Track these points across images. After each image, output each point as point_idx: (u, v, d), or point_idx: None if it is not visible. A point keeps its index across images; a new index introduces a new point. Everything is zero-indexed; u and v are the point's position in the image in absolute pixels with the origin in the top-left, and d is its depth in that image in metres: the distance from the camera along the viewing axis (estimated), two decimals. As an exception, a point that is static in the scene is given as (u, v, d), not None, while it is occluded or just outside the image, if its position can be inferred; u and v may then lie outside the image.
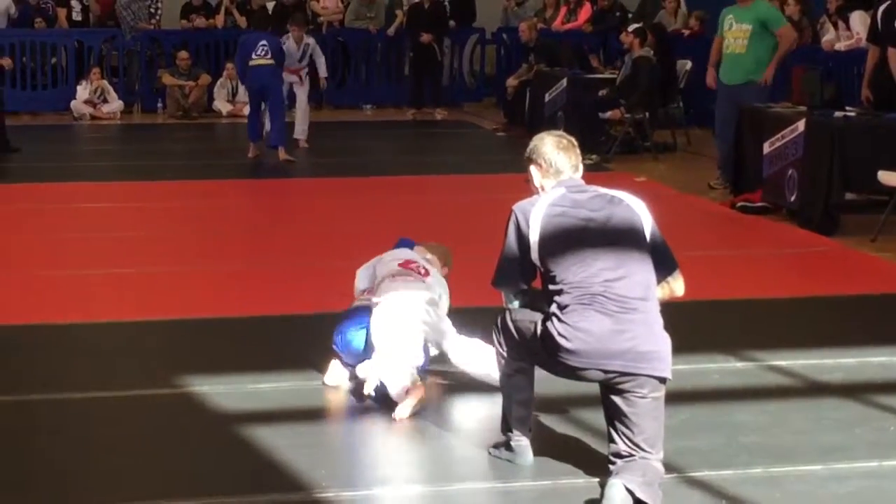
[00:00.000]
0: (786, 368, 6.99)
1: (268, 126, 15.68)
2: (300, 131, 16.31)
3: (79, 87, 19.88)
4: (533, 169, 5.66)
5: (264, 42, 15.47)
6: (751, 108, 12.47)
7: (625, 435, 5.23)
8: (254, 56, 15.41)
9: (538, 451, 5.61)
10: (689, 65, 16.85)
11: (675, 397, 6.48)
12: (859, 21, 15.56)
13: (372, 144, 17.06)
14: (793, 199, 11.42)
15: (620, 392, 5.25)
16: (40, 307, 8.32)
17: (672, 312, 8.21)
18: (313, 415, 6.24)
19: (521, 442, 5.60)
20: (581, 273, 5.27)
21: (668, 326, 7.77)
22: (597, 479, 5.35)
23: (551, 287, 5.33)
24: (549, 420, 6.10)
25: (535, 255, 5.38)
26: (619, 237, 5.38)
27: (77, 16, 21.33)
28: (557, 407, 6.23)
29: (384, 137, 17.96)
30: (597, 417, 5.66)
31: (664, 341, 5.35)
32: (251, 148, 15.44)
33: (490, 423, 5.94)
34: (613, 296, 5.26)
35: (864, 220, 10.98)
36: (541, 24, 20.29)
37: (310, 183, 14.09)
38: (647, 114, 15.56)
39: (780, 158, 11.62)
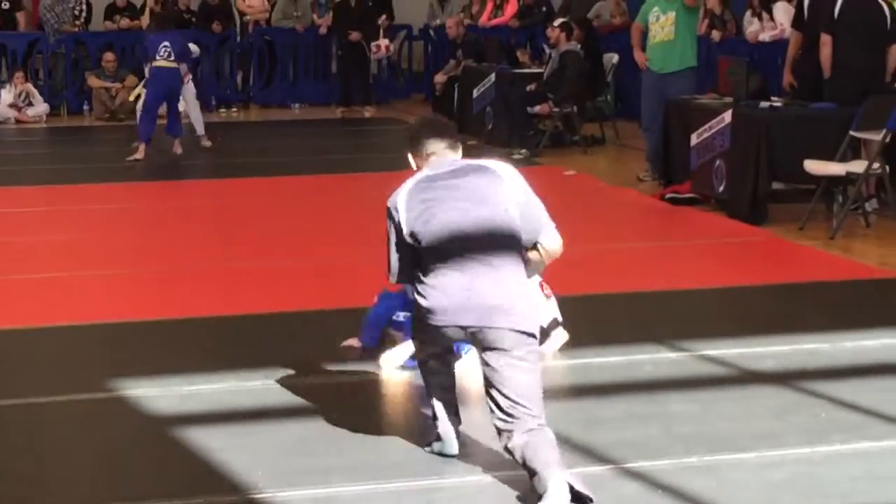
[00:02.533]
0: (718, 358, 7.04)
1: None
2: (201, 129, 16.33)
3: (2, 91, 19.66)
4: (410, 158, 5.81)
5: (167, 43, 15.44)
6: (677, 100, 12.56)
7: (501, 394, 5.26)
8: (157, 58, 15.39)
9: (478, 445, 5.62)
10: (615, 58, 16.93)
11: (609, 389, 6.55)
12: (783, 12, 15.70)
13: (301, 143, 16.99)
14: (721, 189, 11.51)
15: (488, 349, 5.33)
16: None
17: (605, 304, 8.31)
18: (249, 416, 6.21)
19: (448, 430, 5.62)
20: (442, 237, 5.43)
21: (601, 319, 7.84)
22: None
23: (423, 257, 5.48)
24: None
25: (406, 234, 5.51)
26: (481, 202, 5.50)
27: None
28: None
29: (313, 136, 17.89)
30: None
31: (520, 297, 5.40)
32: (140, 149, 15.29)
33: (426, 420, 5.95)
34: (470, 256, 5.39)
35: (791, 209, 11.09)
36: (467, 19, 20.31)
37: (237, 183, 14.01)
38: (575, 108, 15.61)
39: (707, 150, 11.70)
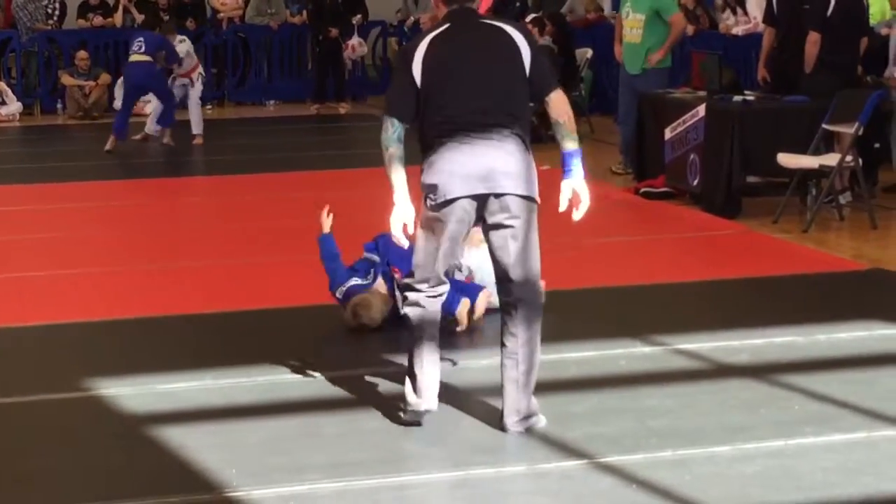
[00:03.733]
0: (692, 351, 7.07)
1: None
2: (198, 127, 16.39)
3: (-25, 91, 19.60)
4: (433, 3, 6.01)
5: (140, 38, 15.65)
6: (651, 94, 12.59)
7: (513, 269, 5.71)
8: (130, 52, 15.57)
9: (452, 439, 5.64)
10: (589, 53, 16.95)
11: (584, 383, 6.56)
12: (755, 6, 15.75)
13: (276, 141, 16.98)
14: (695, 183, 11.54)
15: (495, 227, 5.72)
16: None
17: (579, 299, 8.32)
18: (223, 414, 6.21)
19: (427, 386, 5.87)
20: (452, 105, 5.67)
21: (575, 313, 7.86)
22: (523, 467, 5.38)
23: (427, 122, 5.74)
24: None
25: (419, 85, 5.73)
26: (494, 69, 5.74)
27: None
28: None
29: (288, 133, 17.88)
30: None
31: (525, 164, 5.74)
32: (110, 140, 15.50)
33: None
34: (478, 125, 5.65)
35: (765, 203, 11.14)
36: (441, 15, 20.31)
37: (214, 180, 14.01)
38: (549, 102, 15.61)
39: (681, 143, 11.73)
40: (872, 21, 13.07)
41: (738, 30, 16.31)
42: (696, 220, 11.01)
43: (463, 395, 6.36)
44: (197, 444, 5.72)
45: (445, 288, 5.95)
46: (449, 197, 5.68)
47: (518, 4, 20.57)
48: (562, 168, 5.91)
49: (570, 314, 8.00)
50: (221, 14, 21.14)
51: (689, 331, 7.46)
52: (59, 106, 20.10)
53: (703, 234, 10.54)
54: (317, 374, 6.73)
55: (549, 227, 10.77)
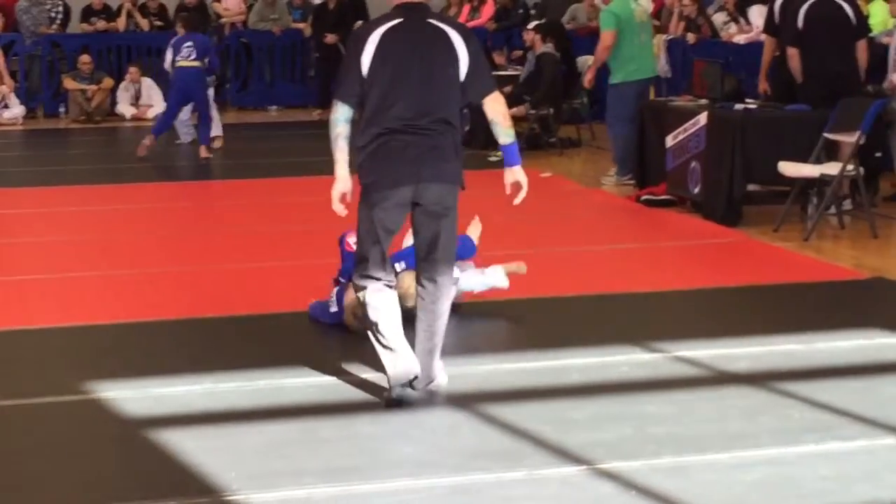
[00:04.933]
0: (692, 359, 7.07)
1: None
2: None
3: (-22, 93, 19.61)
4: None
5: (189, 42, 15.44)
6: (653, 102, 12.61)
7: (435, 247, 6.25)
8: (178, 58, 15.38)
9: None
10: (591, 60, 16.94)
11: (583, 390, 6.56)
12: (758, 15, 15.75)
13: (279, 146, 16.97)
14: (696, 191, 11.54)
15: (423, 211, 6.23)
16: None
17: (580, 305, 8.33)
18: (223, 418, 6.21)
19: (401, 363, 6.21)
20: (392, 104, 6.17)
21: (576, 320, 7.86)
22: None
23: (368, 115, 6.24)
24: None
25: (365, 76, 6.19)
26: (435, 72, 6.20)
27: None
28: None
29: (292, 138, 17.87)
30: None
31: (453, 157, 6.28)
32: (146, 144, 15.35)
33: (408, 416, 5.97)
34: (415, 124, 6.17)
35: (766, 211, 11.13)
36: (444, 22, 20.32)
37: (220, 185, 14.02)
38: (551, 110, 15.63)
39: (682, 151, 11.73)
40: (875, 31, 13.09)
41: (740, 38, 16.31)
42: (697, 227, 11.01)
43: (461, 400, 6.35)
44: (196, 448, 5.72)
45: (393, 277, 6.41)
46: (386, 189, 6.18)
47: (521, 11, 20.61)
48: (504, 160, 6.58)
49: (571, 321, 8.02)
50: (224, 19, 21.15)
51: (689, 338, 7.46)
52: (61, 110, 20.11)
53: (704, 241, 10.54)
54: (315, 379, 6.72)
55: (551, 235, 10.81)
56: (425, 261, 6.34)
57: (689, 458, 5.61)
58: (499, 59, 17.90)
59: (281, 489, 5.28)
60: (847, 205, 11.19)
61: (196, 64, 15.38)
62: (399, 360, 6.24)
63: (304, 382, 6.71)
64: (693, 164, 11.55)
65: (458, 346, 7.32)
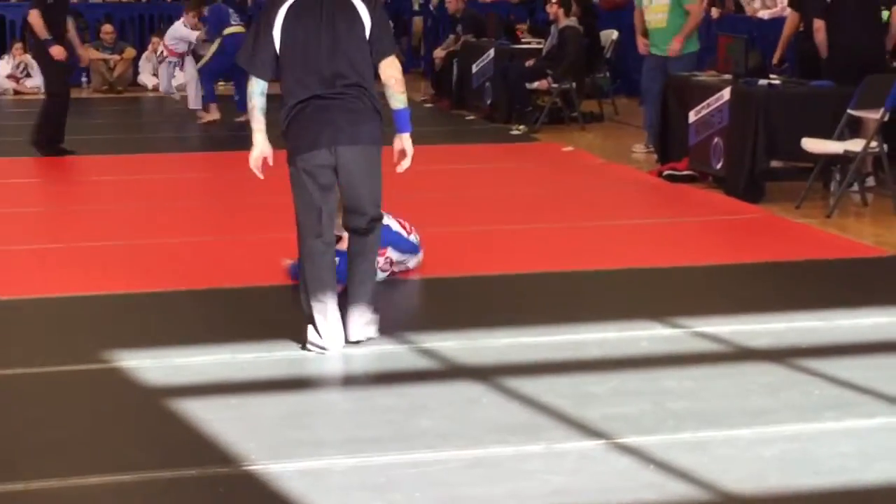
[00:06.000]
0: (713, 334, 7.04)
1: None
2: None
3: (0, 62, 19.64)
4: None
5: (232, 9, 15.74)
6: (676, 77, 12.55)
7: (358, 202, 6.61)
8: (231, 23, 15.54)
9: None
10: (615, 34, 16.91)
11: (603, 364, 6.55)
12: (783, -10, 15.68)
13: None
14: (719, 167, 11.50)
15: (346, 170, 6.54)
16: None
17: (600, 280, 8.31)
18: (242, 388, 6.21)
19: (328, 328, 6.59)
20: (305, 74, 6.49)
21: (595, 294, 7.84)
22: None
23: (285, 87, 6.59)
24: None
25: (278, 49, 6.52)
26: (341, 37, 6.49)
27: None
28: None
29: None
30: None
31: (369, 116, 6.57)
32: (213, 109, 15.59)
33: (425, 391, 5.97)
34: (328, 90, 6.49)
35: (788, 188, 11.10)
36: (467, -5, 20.27)
37: (240, 156, 14.00)
38: (574, 84, 15.59)
39: (705, 127, 11.69)
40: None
41: (765, 14, 16.23)
42: (719, 203, 10.98)
43: (480, 373, 6.35)
44: (215, 418, 5.73)
45: (331, 237, 6.64)
46: (305, 151, 6.52)
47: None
48: (395, 126, 6.74)
49: (592, 295, 8.00)
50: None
51: (710, 314, 7.43)
52: (83, 79, 20.14)
53: (726, 217, 10.50)
54: (333, 350, 6.72)
55: (572, 210, 10.79)
56: (352, 214, 6.68)
57: (708, 434, 5.59)
58: (522, 32, 17.84)
59: (300, 460, 5.29)
60: (870, 182, 11.14)
61: (243, 29, 15.53)
62: (328, 327, 6.58)
63: (322, 353, 6.70)
64: (716, 139, 11.50)
65: (477, 319, 7.31)
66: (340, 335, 6.64)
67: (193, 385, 6.24)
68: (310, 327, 6.62)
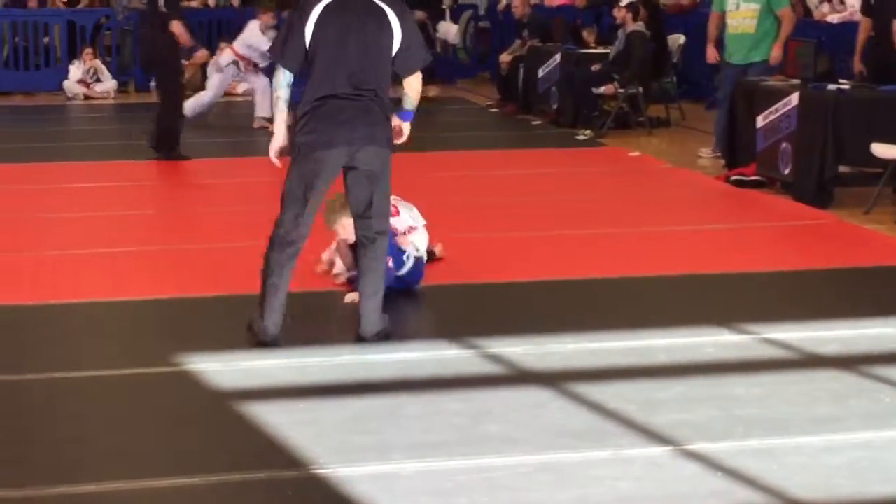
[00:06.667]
0: (781, 341, 7.01)
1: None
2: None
3: (72, 67, 19.85)
4: None
5: None
6: (744, 81, 12.48)
7: (368, 208, 6.84)
8: None
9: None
10: (682, 39, 16.84)
11: (670, 370, 6.53)
12: (853, -6, 15.56)
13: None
14: (787, 172, 11.43)
15: (356, 173, 6.79)
16: (35, 287, 8.32)
17: (667, 285, 8.29)
18: (310, 391, 6.25)
19: (269, 320, 6.88)
20: (331, 75, 6.70)
21: (663, 300, 7.82)
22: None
23: (310, 83, 6.78)
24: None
25: (308, 47, 6.72)
26: (369, 44, 6.72)
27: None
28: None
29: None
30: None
31: (381, 123, 6.80)
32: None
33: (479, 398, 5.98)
34: (349, 94, 6.71)
35: (858, 193, 11.01)
36: (534, -1, 20.29)
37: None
38: (640, 89, 15.55)
39: (773, 132, 11.62)
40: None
41: (834, 17, 16.12)
42: (787, 209, 10.91)
43: (547, 378, 6.35)
44: (283, 422, 5.77)
45: (306, 231, 6.87)
46: (320, 149, 6.71)
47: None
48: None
49: (659, 300, 7.98)
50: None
51: (778, 320, 7.39)
52: (152, 84, 20.29)
53: (794, 223, 10.44)
54: (400, 355, 6.75)
55: (639, 215, 10.75)
56: (361, 219, 6.91)
57: (776, 441, 5.56)
58: (588, 36, 17.80)
59: (367, 464, 5.31)
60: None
61: None
62: (271, 317, 6.88)
63: (388, 358, 6.74)
64: (784, 144, 11.43)
65: (544, 324, 7.32)
66: (276, 326, 6.91)
67: (262, 388, 6.28)
68: (262, 317, 6.92)
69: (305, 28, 6.74)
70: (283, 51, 6.84)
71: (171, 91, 13.90)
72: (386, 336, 6.96)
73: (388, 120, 6.87)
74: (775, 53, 12.72)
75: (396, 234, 7.94)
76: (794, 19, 13.25)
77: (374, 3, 6.78)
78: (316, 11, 6.74)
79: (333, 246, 8.18)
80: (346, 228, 7.79)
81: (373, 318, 6.93)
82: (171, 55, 13.68)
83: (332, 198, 7.51)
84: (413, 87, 6.97)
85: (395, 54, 6.81)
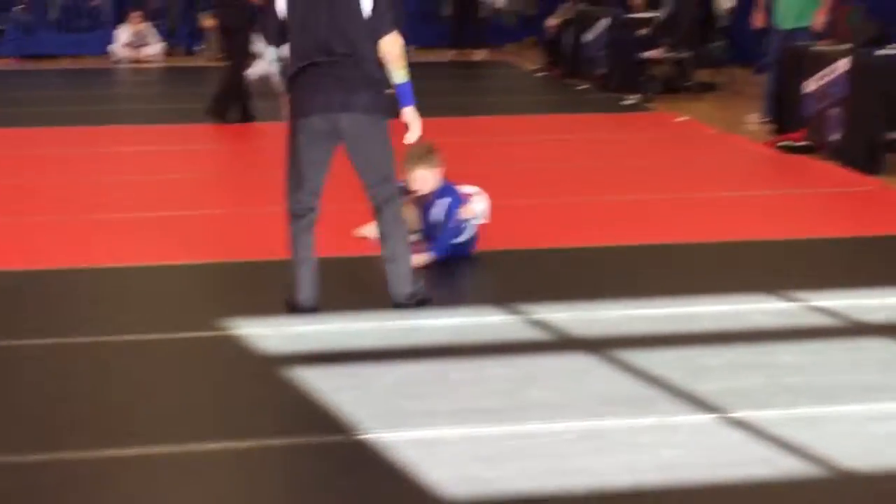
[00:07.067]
0: (828, 308, 6.97)
1: None
2: None
3: (119, 31, 19.93)
4: None
5: None
6: (793, 47, 12.38)
7: (365, 176, 6.81)
8: None
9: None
10: (731, 2, 16.72)
11: (717, 338, 6.51)
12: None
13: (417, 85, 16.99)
14: (836, 138, 11.35)
15: (348, 141, 6.74)
16: (84, 251, 8.38)
17: (714, 252, 8.26)
18: (356, 356, 6.27)
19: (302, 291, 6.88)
20: (305, 43, 6.72)
21: (709, 267, 7.79)
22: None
23: (290, 54, 6.82)
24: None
25: (283, 18, 6.79)
26: (336, 10, 6.68)
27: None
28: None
29: (425, 78, 17.89)
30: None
31: (366, 87, 6.72)
32: None
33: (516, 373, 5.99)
34: (326, 59, 6.69)
35: (908, 159, 10.93)
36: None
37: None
38: (689, 53, 15.46)
39: (822, 97, 11.54)
40: None
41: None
42: (836, 175, 10.84)
43: (592, 344, 6.35)
44: (330, 387, 5.79)
45: (309, 201, 6.89)
46: (301, 117, 6.74)
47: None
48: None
49: (705, 267, 7.95)
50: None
51: (826, 287, 7.36)
52: (200, 47, 20.35)
53: (843, 189, 10.37)
54: (446, 321, 6.76)
55: (687, 180, 10.71)
56: (366, 189, 6.90)
57: (822, 409, 5.55)
58: (636, 0, 17.70)
59: (412, 429, 5.33)
60: None
61: None
62: (304, 291, 6.88)
63: (435, 324, 6.75)
64: (833, 110, 11.35)
65: (589, 291, 7.31)
66: (310, 299, 6.90)
67: (309, 353, 6.31)
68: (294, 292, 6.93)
69: (277, 3, 6.81)
70: (265, 28, 7.02)
71: (241, 52, 13.86)
72: (421, 301, 6.93)
73: (375, 85, 6.75)
74: (818, 19, 12.58)
75: (462, 202, 7.98)
76: None
77: None
78: None
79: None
80: (416, 181, 7.85)
81: (396, 282, 6.91)
82: (241, 20, 13.62)
83: (409, 149, 7.57)
84: (389, 51, 6.77)
85: (369, 18, 6.73)
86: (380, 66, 6.78)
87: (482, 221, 8.18)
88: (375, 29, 6.74)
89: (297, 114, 6.79)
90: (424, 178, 7.99)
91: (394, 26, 6.80)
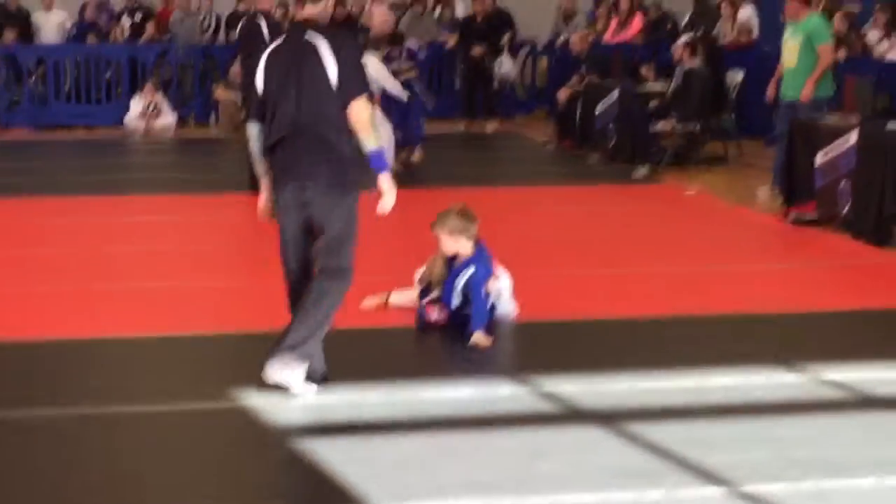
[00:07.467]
0: (837, 382, 6.97)
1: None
2: None
3: (132, 102, 20.06)
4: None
5: None
6: (802, 120, 12.42)
7: (318, 243, 6.79)
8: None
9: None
10: (740, 76, 16.80)
11: (726, 410, 6.50)
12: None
13: (425, 156, 17.06)
14: (846, 210, 11.37)
15: (309, 212, 6.78)
16: (93, 321, 8.40)
17: (724, 325, 8.25)
18: (365, 429, 6.27)
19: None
20: (277, 117, 6.79)
21: (719, 340, 7.78)
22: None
23: (266, 128, 6.89)
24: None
25: (260, 94, 6.89)
26: (304, 83, 6.74)
27: (127, 32, 21.54)
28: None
29: (436, 149, 17.97)
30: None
31: (330, 161, 6.74)
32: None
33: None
34: (295, 134, 6.75)
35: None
36: (592, 35, 20.27)
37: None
38: (698, 126, 15.52)
39: (832, 170, 11.57)
40: None
41: (893, 55, 16.04)
42: (846, 247, 10.85)
43: (600, 417, 6.35)
44: (338, 459, 5.79)
45: (308, 271, 6.86)
46: (276, 191, 6.86)
47: (669, 27, 20.48)
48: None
49: (715, 340, 7.95)
50: (372, 32, 21.32)
51: (836, 360, 7.35)
52: (212, 119, 20.46)
53: (853, 262, 10.37)
54: (451, 393, 6.77)
55: (697, 254, 10.71)
56: (314, 255, 6.89)
57: (831, 483, 5.53)
58: (646, 72, 17.79)
59: (420, 502, 5.32)
60: None
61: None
62: (310, 364, 6.81)
63: (443, 395, 6.75)
64: (843, 182, 11.38)
65: (597, 363, 7.31)
66: (316, 373, 6.84)
67: (317, 425, 6.31)
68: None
69: (255, 79, 6.92)
70: (250, 105, 7.13)
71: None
72: (320, 379, 6.84)
73: (338, 159, 6.75)
74: (805, 91, 12.56)
75: (489, 275, 8.00)
76: (831, 57, 12.98)
77: (307, 40, 6.78)
78: (262, 61, 6.92)
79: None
80: (444, 243, 7.91)
81: (280, 341, 6.73)
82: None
83: (445, 210, 7.67)
84: (357, 119, 6.74)
85: (336, 86, 6.72)
86: (352, 134, 6.80)
87: (503, 299, 8.17)
88: (343, 96, 6.73)
89: (274, 188, 6.90)
90: (446, 243, 8.02)
91: (362, 91, 6.78)
